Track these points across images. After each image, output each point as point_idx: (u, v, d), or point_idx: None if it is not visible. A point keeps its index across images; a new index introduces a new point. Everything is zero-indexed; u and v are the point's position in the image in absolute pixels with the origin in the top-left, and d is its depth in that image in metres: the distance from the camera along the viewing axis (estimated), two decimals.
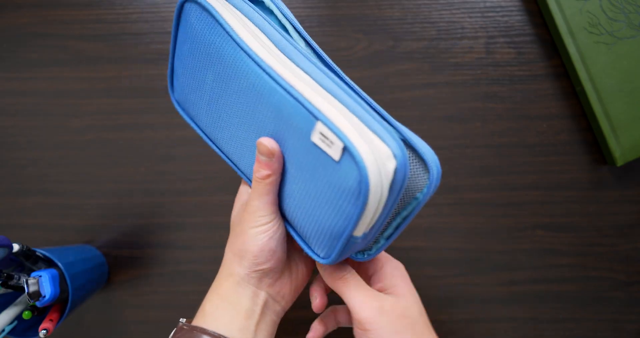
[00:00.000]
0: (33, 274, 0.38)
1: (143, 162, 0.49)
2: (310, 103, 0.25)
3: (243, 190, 0.34)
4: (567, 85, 0.47)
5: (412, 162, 0.27)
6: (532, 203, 0.47)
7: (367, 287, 0.29)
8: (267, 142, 0.27)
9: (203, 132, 0.34)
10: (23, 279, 0.38)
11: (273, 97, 0.26)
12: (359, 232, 0.26)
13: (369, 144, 0.24)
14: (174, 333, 0.29)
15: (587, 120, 0.47)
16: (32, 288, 0.37)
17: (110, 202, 0.49)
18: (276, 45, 0.28)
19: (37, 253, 0.41)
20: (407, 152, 0.25)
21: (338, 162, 0.24)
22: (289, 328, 0.47)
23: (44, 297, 0.37)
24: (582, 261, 0.46)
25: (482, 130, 0.47)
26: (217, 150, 0.34)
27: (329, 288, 0.33)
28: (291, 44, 0.28)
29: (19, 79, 0.50)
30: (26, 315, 0.39)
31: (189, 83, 0.32)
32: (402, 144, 0.25)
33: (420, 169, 0.27)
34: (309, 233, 0.29)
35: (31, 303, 0.40)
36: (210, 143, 0.34)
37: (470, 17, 0.48)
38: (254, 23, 0.28)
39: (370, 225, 0.26)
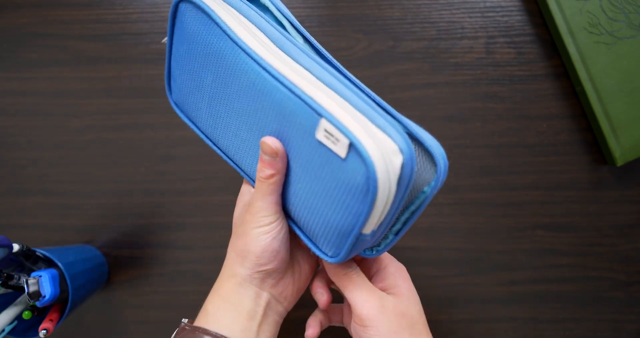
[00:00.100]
0: (33, 274, 0.38)
1: (143, 162, 0.49)
2: (313, 100, 0.25)
3: (245, 190, 0.33)
4: (567, 85, 0.47)
5: (419, 156, 0.27)
6: (532, 203, 0.47)
7: (370, 285, 0.30)
8: (271, 141, 0.27)
9: (203, 133, 0.34)
10: (23, 279, 0.38)
11: (274, 95, 0.26)
12: (368, 229, 0.26)
13: (374, 139, 0.23)
14: (176, 333, 0.29)
15: (587, 120, 0.47)
16: (32, 288, 0.37)
17: (110, 202, 0.49)
18: (274, 43, 0.27)
19: (37, 253, 0.41)
20: (413, 146, 0.25)
21: (344, 159, 0.24)
22: (289, 327, 0.47)
23: (44, 297, 0.37)
24: (582, 261, 0.46)
25: (482, 130, 0.47)
26: (217, 151, 0.33)
27: (330, 284, 0.33)
28: (289, 40, 0.27)
29: (19, 79, 0.50)
30: (26, 315, 0.39)
31: (187, 84, 0.32)
32: (407, 137, 0.24)
33: (427, 162, 0.27)
34: (317, 232, 0.28)
35: (31, 303, 0.40)
36: (210, 144, 0.34)
37: (470, 17, 0.48)
38: (250, 21, 0.28)
39: (379, 222, 0.26)
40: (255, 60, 0.26)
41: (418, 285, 0.46)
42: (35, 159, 0.49)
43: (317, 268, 0.34)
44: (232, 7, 0.29)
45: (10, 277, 0.37)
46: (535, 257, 0.47)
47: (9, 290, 0.39)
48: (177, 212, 0.48)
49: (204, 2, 0.28)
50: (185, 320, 0.30)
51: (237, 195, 0.35)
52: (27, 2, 0.50)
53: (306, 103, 0.25)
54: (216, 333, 0.28)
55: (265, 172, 0.27)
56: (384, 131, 0.24)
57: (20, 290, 0.38)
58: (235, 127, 0.30)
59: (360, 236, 0.26)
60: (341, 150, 0.24)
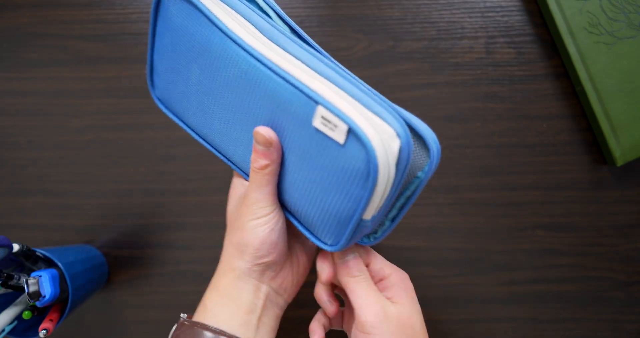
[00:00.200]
0: (33, 274, 0.38)
1: (143, 162, 0.49)
2: (308, 88, 0.24)
3: (237, 183, 0.33)
4: (567, 85, 0.47)
5: (413, 141, 0.27)
6: (532, 203, 0.47)
7: (378, 292, 0.29)
8: (264, 131, 0.26)
9: (190, 128, 0.33)
10: (23, 279, 0.38)
11: (267, 84, 0.26)
12: (368, 215, 0.26)
13: (372, 124, 0.24)
14: (175, 329, 0.29)
15: (587, 120, 0.47)
16: (32, 288, 0.37)
17: (110, 202, 0.49)
18: (263, 34, 0.27)
19: (37, 253, 0.41)
20: (408, 131, 0.25)
21: (343, 145, 0.24)
22: (289, 327, 0.47)
23: (44, 297, 0.37)
24: (582, 261, 0.46)
25: (482, 130, 0.47)
26: (206, 145, 0.33)
27: (333, 290, 0.33)
28: (278, 30, 0.27)
29: (19, 79, 0.50)
30: (26, 315, 0.39)
31: (172, 78, 0.31)
32: (403, 122, 0.24)
33: (420, 148, 0.27)
34: (315, 221, 0.28)
35: (31, 303, 0.40)
36: (198, 138, 0.33)
37: (470, 17, 0.48)
38: (237, 11, 0.28)
39: (379, 207, 0.26)
40: (246, 50, 0.26)
41: (418, 285, 0.46)
42: (35, 159, 0.49)
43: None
44: None
45: (10, 277, 0.37)
46: (535, 257, 0.47)
47: (9, 290, 0.39)
48: (177, 212, 0.48)
49: None
50: (184, 316, 0.30)
51: None
52: (27, 2, 0.50)
53: (302, 91, 0.24)
54: (215, 328, 0.27)
55: (260, 162, 0.27)
56: (380, 117, 0.24)
57: (20, 290, 0.38)
58: (225, 120, 0.29)
59: (361, 222, 0.26)
60: (339, 136, 0.24)
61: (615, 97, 0.44)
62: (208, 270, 0.48)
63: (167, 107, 0.34)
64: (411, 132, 0.27)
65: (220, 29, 0.27)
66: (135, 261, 0.48)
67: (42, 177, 0.49)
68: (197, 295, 0.47)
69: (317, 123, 0.24)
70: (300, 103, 0.25)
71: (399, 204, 0.28)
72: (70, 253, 0.43)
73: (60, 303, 0.42)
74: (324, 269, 0.30)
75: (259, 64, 0.26)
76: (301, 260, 0.33)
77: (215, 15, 0.27)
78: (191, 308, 0.47)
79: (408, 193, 0.28)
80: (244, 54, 0.26)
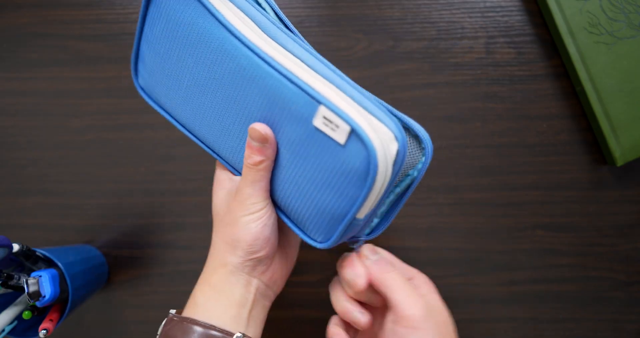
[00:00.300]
0: (33, 274, 0.38)
1: (143, 162, 0.49)
2: (310, 87, 0.24)
3: (223, 177, 0.32)
4: (567, 85, 0.47)
5: (409, 142, 0.28)
6: (532, 203, 0.47)
7: (413, 286, 0.29)
8: (260, 127, 0.26)
9: (175, 118, 0.32)
10: (23, 279, 0.38)
11: (266, 81, 0.26)
12: (362, 214, 0.26)
13: (372, 126, 0.24)
14: (163, 324, 0.29)
15: (587, 120, 0.47)
16: (32, 288, 0.37)
17: (110, 202, 0.49)
18: (262, 29, 0.27)
19: (37, 253, 0.41)
20: (405, 133, 0.25)
21: (343, 146, 0.24)
22: (289, 327, 0.47)
23: (44, 297, 0.37)
24: (582, 261, 0.46)
25: (482, 130, 0.47)
26: (191, 136, 0.32)
27: (356, 299, 0.31)
28: (277, 27, 0.27)
29: (19, 79, 0.50)
30: (26, 315, 0.39)
31: (160, 68, 0.30)
32: (400, 125, 0.25)
33: (415, 147, 0.28)
34: (306, 218, 0.28)
35: (31, 303, 0.40)
36: (182, 129, 0.32)
37: (470, 17, 0.48)
38: (235, 5, 0.27)
39: (373, 207, 0.26)
40: (246, 45, 0.26)
41: None
42: (35, 159, 0.49)
43: (336, 287, 0.32)
44: None
45: (10, 277, 0.37)
46: (535, 257, 0.47)
47: (9, 290, 0.39)
48: (177, 212, 0.48)
49: None
50: (173, 311, 0.30)
51: None
52: (27, 2, 0.50)
53: (303, 90, 0.25)
54: (205, 322, 0.27)
55: (254, 158, 0.27)
56: (379, 119, 0.25)
57: (20, 290, 0.38)
58: (217, 113, 0.29)
59: (354, 220, 0.26)
60: (341, 136, 0.24)
61: (615, 97, 0.44)
62: None
63: (150, 96, 0.33)
64: (407, 132, 0.28)
65: (220, 22, 0.26)
66: (135, 261, 0.48)
67: (42, 177, 0.49)
68: None
69: (317, 122, 0.24)
70: (301, 102, 0.25)
71: (389, 200, 0.29)
72: (70, 253, 0.43)
73: (60, 303, 0.42)
74: (359, 275, 0.29)
75: (259, 61, 0.26)
76: (289, 253, 0.33)
77: (215, 8, 0.26)
78: None
79: (399, 190, 0.28)
80: (245, 49, 0.26)
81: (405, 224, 0.47)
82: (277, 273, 0.32)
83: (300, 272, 0.47)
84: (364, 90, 0.26)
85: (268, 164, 0.27)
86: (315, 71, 0.26)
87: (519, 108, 0.47)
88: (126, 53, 0.49)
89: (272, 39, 0.27)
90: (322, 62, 0.26)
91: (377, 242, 0.36)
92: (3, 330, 0.38)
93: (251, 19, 0.27)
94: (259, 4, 0.29)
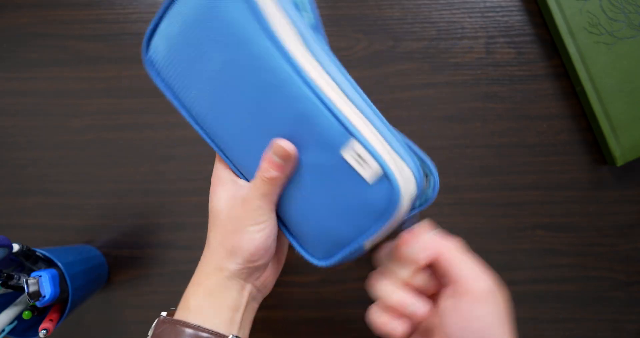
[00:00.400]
0: (33, 274, 0.38)
1: (143, 162, 0.49)
2: (346, 119, 0.25)
3: (225, 176, 0.31)
4: (567, 85, 0.47)
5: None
6: (532, 203, 0.47)
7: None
8: (287, 146, 0.26)
9: (182, 105, 0.31)
10: (23, 279, 0.38)
11: (303, 102, 0.25)
12: (369, 243, 0.27)
13: (397, 168, 0.25)
14: (154, 327, 0.29)
15: (587, 120, 0.47)
16: (32, 288, 0.37)
17: (110, 202, 0.49)
18: (302, 37, 0.26)
19: (37, 253, 0.41)
20: (422, 174, 0.26)
21: (368, 182, 0.25)
22: (289, 327, 0.47)
23: (44, 297, 0.37)
24: (582, 261, 0.46)
25: (482, 130, 0.47)
26: (194, 125, 0.31)
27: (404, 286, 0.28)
28: (314, 36, 0.26)
29: (19, 79, 0.50)
30: (26, 315, 0.39)
31: (180, 51, 0.28)
32: (419, 165, 0.26)
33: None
34: (309, 236, 0.29)
35: (31, 303, 0.40)
36: (184, 113, 0.31)
37: (470, 17, 0.48)
38: (281, 7, 0.26)
39: (381, 238, 0.27)
40: (289, 63, 0.25)
41: None
42: (35, 159, 0.49)
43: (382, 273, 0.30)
44: None
45: (10, 277, 0.37)
46: (535, 257, 0.47)
47: (9, 290, 0.39)
48: (177, 212, 0.48)
49: None
50: (164, 314, 0.30)
51: None
52: (27, 2, 0.50)
53: (339, 121, 0.25)
54: (196, 325, 0.27)
55: (272, 173, 0.27)
56: (403, 159, 0.25)
57: (20, 290, 0.38)
58: (237, 115, 0.28)
59: (360, 248, 0.27)
60: (368, 174, 0.24)
61: (615, 97, 0.44)
62: None
63: (158, 74, 0.31)
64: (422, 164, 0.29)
65: (265, 29, 0.25)
66: (135, 261, 0.48)
67: (42, 177, 0.49)
68: None
69: (347, 155, 0.25)
70: (333, 130, 0.25)
71: None
72: (70, 253, 0.43)
73: (60, 303, 0.42)
74: (422, 248, 0.27)
75: (298, 79, 0.25)
76: (280, 257, 0.34)
77: (264, 16, 0.25)
78: None
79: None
80: (287, 65, 0.25)
81: None
82: (270, 278, 0.32)
83: (300, 273, 0.47)
84: (385, 120, 0.27)
85: (284, 180, 0.28)
86: (348, 97, 0.26)
87: (519, 108, 0.47)
88: (126, 53, 0.49)
89: (310, 51, 0.26)
90: (352, 85, 0.26)
91: None
92: (3, 330, 0.38)
93: (294, 25, 0.26)
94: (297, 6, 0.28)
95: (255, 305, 0.32)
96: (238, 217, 0.29)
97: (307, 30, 0.26)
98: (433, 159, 0.47)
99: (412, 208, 0.28)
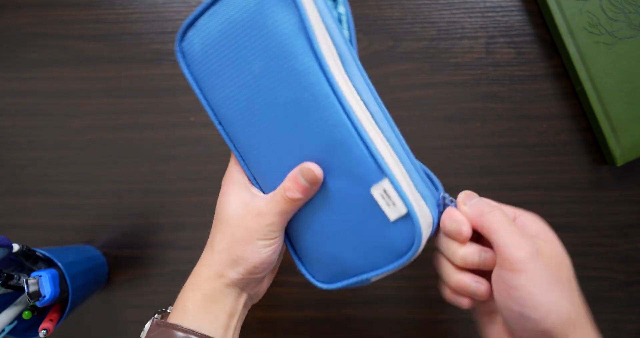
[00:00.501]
0: (33, 274, 0.38)
1: (143, 162, 0.49)
2: (381, 157, 0.25)
3: (240, 180, 0.30)
4: (567, 85, 0.47)
5: None
6: (532, 204, 0.47)
7: (519, 226, 0.26)
8: (316, 169, 0.26)
9: (209, 105, 0.30)
10: (23, 279, 0.38)
11: (339, 130, 0.25)
12: (377, 279, 0.27)
13: (420, 210, 0.25)
14: (148, 330, 0.29)
15: (587, 120, 0.47)
16: (32, 288, 0.37)
17: (110, 202, 0.49)
18: (341, 58, 0.26)
19: (37, 253, 0.40)
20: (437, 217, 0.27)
21: (392, 222, 0.25)
22: (289, 327, 0.47)
23: (44, 297, 0.37)
24: (582, 261, 0.46)
25: (482, 130, 0.47)
26: (214, 120, 0.30)
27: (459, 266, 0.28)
28: (351, 53, 0.27)
29: (19, 79, 0.50)
30: (26, 315, 0.39)
31: (218, 49, 0.28)
32: (436, 206, 0.27)
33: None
34: (315, 258, 0.29)
35: (31, 303, 0.40)
36: (209, 110, 0.30)
37: (470, 17, 0.48)
38: (323, 21, 0.25)
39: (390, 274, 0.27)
40: (332, 87, 0.25)
41: (418, 285, 0.46)
42: (35, 159, 0.49)
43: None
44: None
45: (10, 277, 0.37)
46: None
47: (9, 290, 0.39)
48: (177, 212, 0.48)
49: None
50: (157, 316, 0.30)
51: None
52: (27, 2, 0.50)
53: (373, 157, 0.25)
54: (188, 328, 0.27)
55: (295, 194, 0.27)
56: (425, 200, 0.26)
57: (20, 290, 0.38)
58: (267, 127, 0.27)
59: (366, 281, 0.27)
60: (393, 214, 0.25)
61: (615, 97, 0.44)
62: None
63: (187, 67, 0.30)
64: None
65: (313, 49, 0.25)
66: (135, 261, 0.48)
67: (42, 177, 0.49)
68: None
69: (375, 193, 0.25)
70: (366, 167, 0.25)
71: None
72: (70, 253, 0.43)
73: (60, 303, 0.42)
74: (460, 221, 0.26)
75: (339, 108, 0.25)
76: (275, 268, 0.34)
77: (312, 29, 0.24)
78: None
79: None
80: (328, 89, 0.25)
81: None
82: (264, 287, 0.33)
83: (301, 273, 0.47)
84: (409, 151, 0.27)
85: (304, 202, 0.28)
86: (380, 127, 0.26)
87: (519, 108, 0.47)
88: (126, 53, 0.49)
89: (347, 73, 0.26)
90: (384, 113, 0.27)
91: None
92: (3, 330, 0.38)
93: (334, 43, 0.26)
94: (340, 21, 0.28)
95: (246, 311, 0.32)
96: (248, 229, 0.28)
97: (346, 49, 0.26)
98: (433, 159, 0.47)
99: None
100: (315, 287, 0.36)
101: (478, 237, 0.27)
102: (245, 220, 0.29)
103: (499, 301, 0.25)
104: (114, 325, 0.48)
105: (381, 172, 0.24)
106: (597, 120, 0.45)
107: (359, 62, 0.27)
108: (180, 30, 0.29)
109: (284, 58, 0.25)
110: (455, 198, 0.29)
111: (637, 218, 0.46)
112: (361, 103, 0.26)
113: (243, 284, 0.30)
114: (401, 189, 0.24)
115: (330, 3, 0.28)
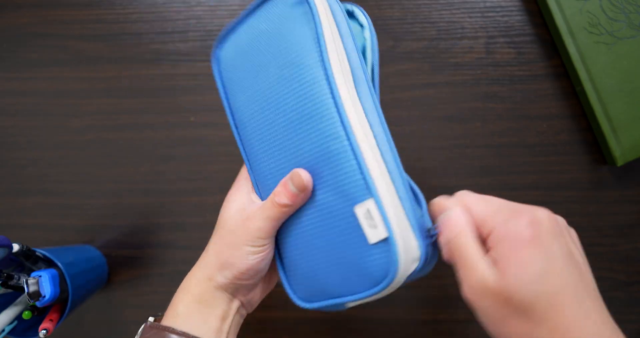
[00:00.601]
0: (33, 274, 0.38)
1: (143, 162, 0.49)
2: (371, 178, 0.24)
3: (243, 188, 0.31)
4: (567, 85, 0.47)
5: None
6: (532, 204, 0.47)
7: (477, 256, 0.24)
8: (305, 177, 0.26)
9: (230, 109, 0.31)
10: (23, 279, 0.38)
11: (333, 143, 0.25)
12: (353, 305, 0.27)
13: (404, 241, 0.24)
14: (141, 333, 0.29)
15: (587, 120, 0.47)
16: (32, 288, 0.37)
17: (110, 202, 0.49)
18: (353, 75, 0.26)
19: (37, 253, 0.40)
20: (427, 251, 0.25)
21: (371, 244, 0.24)
22: (289, 327, 0.47)
23: (44, 297, 0.37)
24: None
25: (482, 130, 0.47)
26: (234, 130, 0.31)
27: None
28: (367, 81, 0.27)
29: (19, 79, 0.50)
30: (26, 315, 0.39)
31: (246, 57, 0.29)
32: (429, 241, 0.25)
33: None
34: (297, 272, 0.29)
35: (31, 303, 0.40)
36: (230, 119, 0.31)
37: (470, 17, 0.48)
38: (343, 41, 0.26)
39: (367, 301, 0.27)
40: (334, 99, 0.25)
41: (418, 285, 0.46)
42: (35, 159, 0.49)
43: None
44: (332, 13, 0.27)
45: (10, 277, 0.37)
46: None
47: (9, 290, 0.39)
48: (177, 212, 0.48)
49: (316, 8, 0.26)
50: (151, 319, 0.29)
51: None
52: (27, 2, 0.50)
53: (363, 175, 0.24)
54: (183, 331, 0.27)
55: (283, 200, 0.27)
56: (414, 232, 0.24)
57: (20, 290, 0.38)
58: (268, 133, 0.28)
59: (341, 305, 0.27)
60: (373, 236, 0.24)
61: (615, 97, 0.44)
62: None
63: (219, 73, 0.31)
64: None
65: (322, 60, 0.25)
66: (135, 261, 0.48)
67: (42, 177, 0.49)
68: None
69: (359, 211, 0.24)
70: (354, 183, 0.25)
71: None
72: (70, 253, 0.43)
73: (60, 303, 0.42)
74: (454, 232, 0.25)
75: (338, 120, 0.25)
76: (273, 278, 0.34)
77: (325, 42, 0.25)
78: None
79: None
80: (331, 100, 0.25)
81: None
82: (257, 296, 0.32)
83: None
84: (407, 177, 0.26)
85: (293, 210, 0.27)
86: (379, 149, 0.25)
87: (519, 108, 0.47)
88: (126, 53, 0.49)
89: (358, 95, 0.26)
90: (387, 136, 0.26)
91: None
92: (3, 330, 0.38)
93: (349, 64, 0.26)
94: (364, 54, 0.28)
95: (240, 320, 0.32)
96: (236, 232, 0.29)
97: (361, 70, 0.27)
98: (433, 159, 0.47)
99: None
100: None
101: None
102: (236, 225, 0.29)
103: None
104: (114, 325, 0.48)
105: (368, 191, 0.24)
106: (597, 120, 0.45)
107: (372, 86, 0.27)
108: (220, 36, 0.31)
109: (296, 67, 0.26)
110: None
111: (637, 218, 0.46)
112: (364, 121, 0.26)
113: (232, 289, 0.30)
114: (385, 212, 0.24)
115: (359, 29, 0.29)
